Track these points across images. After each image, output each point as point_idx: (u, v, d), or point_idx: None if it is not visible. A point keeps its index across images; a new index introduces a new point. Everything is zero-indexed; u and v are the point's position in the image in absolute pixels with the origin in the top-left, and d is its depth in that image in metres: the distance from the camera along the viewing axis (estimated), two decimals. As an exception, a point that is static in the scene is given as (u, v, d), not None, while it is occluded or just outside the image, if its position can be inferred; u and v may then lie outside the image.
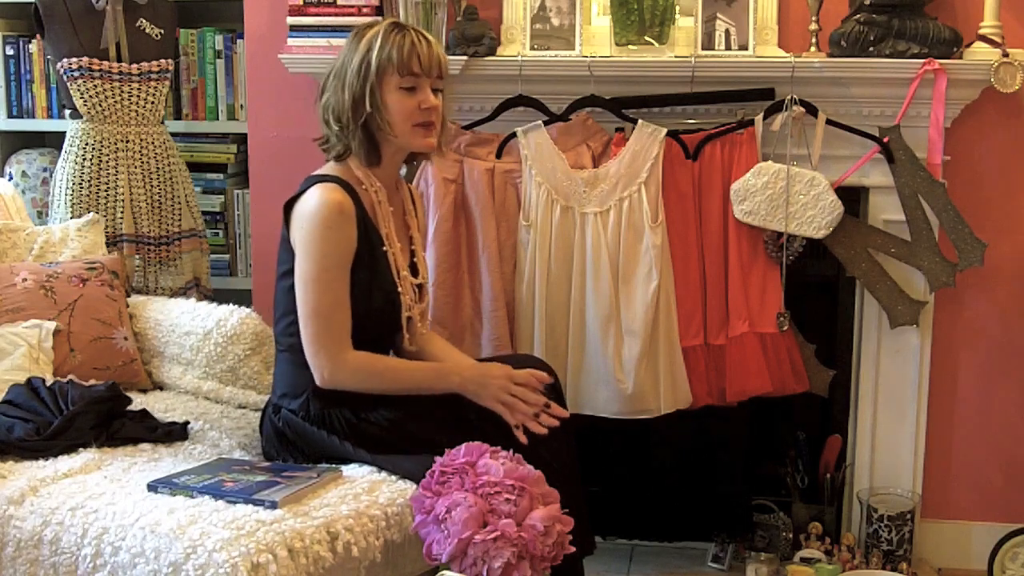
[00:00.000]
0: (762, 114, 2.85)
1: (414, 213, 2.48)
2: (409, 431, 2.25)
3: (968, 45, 2.84)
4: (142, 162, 3.18)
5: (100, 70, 3.10)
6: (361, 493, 2.09)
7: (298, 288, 2.25)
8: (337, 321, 2.23)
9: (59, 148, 3.22)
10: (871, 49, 2.81)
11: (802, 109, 2.83)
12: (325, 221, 2.22)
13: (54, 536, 2.01)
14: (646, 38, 2.91)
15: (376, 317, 2.32)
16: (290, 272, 2.28)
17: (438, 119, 2.33)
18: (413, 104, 2.27)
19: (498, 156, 2.92)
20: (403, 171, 2.90)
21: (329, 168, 2.34)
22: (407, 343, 2.41)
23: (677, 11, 2.91)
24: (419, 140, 2.31)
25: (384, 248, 2.32)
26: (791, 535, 3.05)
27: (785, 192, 2.82)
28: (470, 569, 1.89)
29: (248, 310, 2.80)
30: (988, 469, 3.12)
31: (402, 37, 2.26)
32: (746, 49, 2.88)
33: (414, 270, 2.41)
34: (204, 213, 3.41)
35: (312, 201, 2.24)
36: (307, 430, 2.29)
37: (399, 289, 2.33)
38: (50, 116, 3.57)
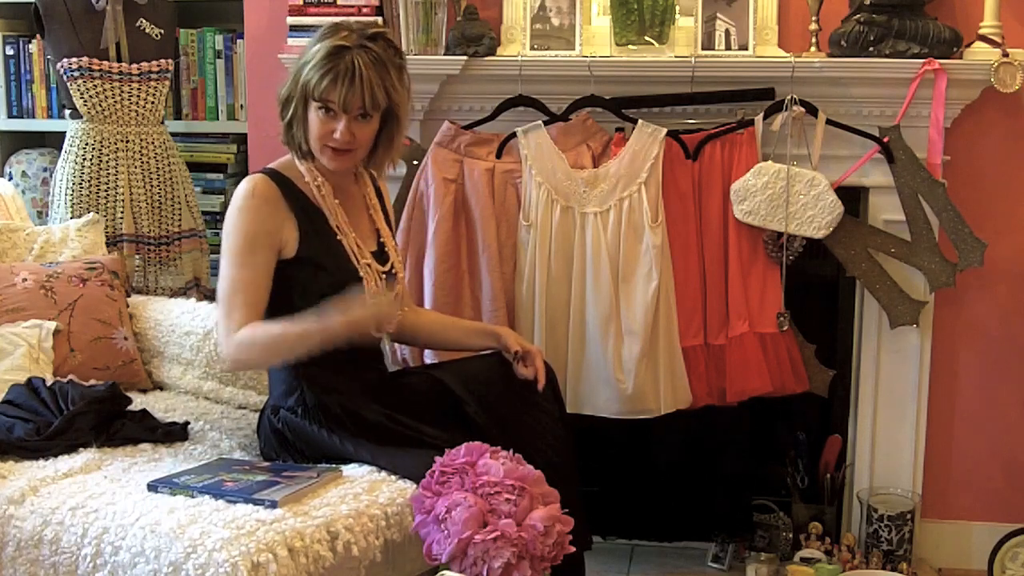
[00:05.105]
0: (762, 114, 2.85)
1: (380, 207, 2.46)
2: (409, 427, 2.26)
3: (968, 45, 2.84)
4: (142, 162, 3.18)
5: (100, 70, 3.10)
6: (361, 493, 2.09)
7: None
8: (234, 303, 2.22)
9: (59, 148, 3.22)
10: (871, 49, 2.81)
11: (802, 109, 2.83)
12: (235, 204, 2.26)
13: (54, 536, 2.01)
14: (646, 38, 2.91)
15: None
16: None
17: (358, 147, 2.28)
18: (328, 129, 2.25)
19: (498, 156, 2.91)
20: (403, 171, 2.92)
21: (274, 162, 2.37)
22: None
23: (677, 11, 2.91)
24: (326, 160, 2.29)
25: (339, 238, 2.32)
26: (791, 535, 3.05)
27: (785, 192, 2.82)
28: (470, 569, 1.89)
29: (248, 310, 2.80)
30: (988, 469, 3.12)
31: (332, 66, 2.20)
32: (746, 49, 2.88)
33: (382, 258, 2.40)
34: (204, 213, 3.40)
35: (236, 190, 2.29)
36: (306, 430, 2.29)
37: (361, 275, 2.32)
38: (50, 116, 3.57)
